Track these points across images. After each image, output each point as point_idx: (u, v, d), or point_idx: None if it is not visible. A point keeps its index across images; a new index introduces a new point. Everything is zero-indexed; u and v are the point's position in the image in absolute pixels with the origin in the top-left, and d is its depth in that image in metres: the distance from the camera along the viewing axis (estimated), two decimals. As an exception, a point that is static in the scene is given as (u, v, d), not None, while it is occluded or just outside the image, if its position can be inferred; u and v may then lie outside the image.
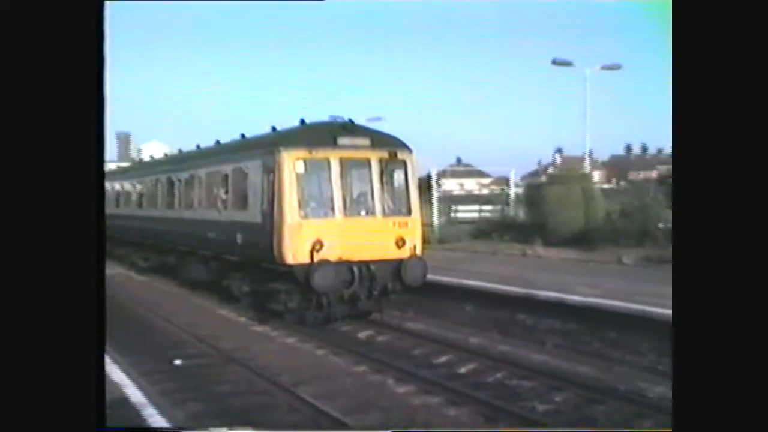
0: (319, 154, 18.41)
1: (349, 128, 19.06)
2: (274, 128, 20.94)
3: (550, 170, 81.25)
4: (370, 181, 19.01)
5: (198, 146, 28.05)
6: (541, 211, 35.43)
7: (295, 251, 17.83)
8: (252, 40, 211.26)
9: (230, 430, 10.78)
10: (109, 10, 6.66)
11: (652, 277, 21.67)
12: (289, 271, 18.02)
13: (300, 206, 18.05)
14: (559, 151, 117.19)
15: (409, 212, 19.36)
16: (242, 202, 20.56)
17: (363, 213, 18.94)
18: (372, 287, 18.52)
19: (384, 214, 18.96)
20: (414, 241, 19.06)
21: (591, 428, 10.96)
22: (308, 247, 17.79)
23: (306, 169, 18.39)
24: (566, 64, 40.15)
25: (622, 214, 34.47)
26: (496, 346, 17.01)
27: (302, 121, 19.66)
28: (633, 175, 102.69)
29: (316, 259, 17.70)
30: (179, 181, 26.65)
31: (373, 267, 18.44)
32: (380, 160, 19.09)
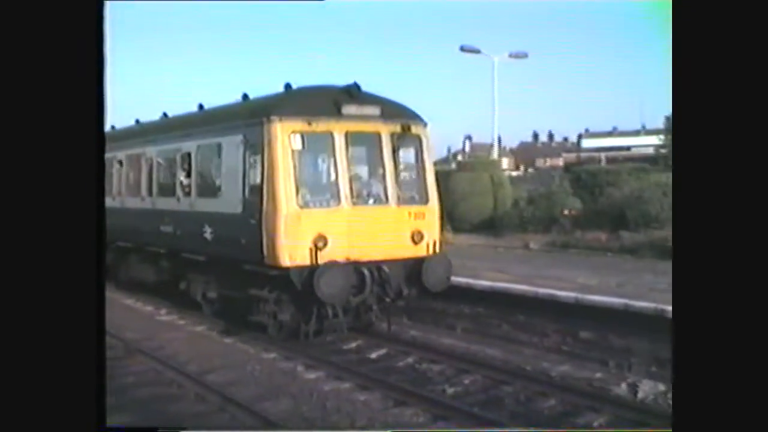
0: (320, 125, 14.63)
1: (355, 94, 15.18)
2: (245, 96, 16.97)
3: (460, 157, 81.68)
4: (381, 160, 15.30)
5: (137, 121, 23.52)
6: (451, 197, 35.35)
7: (292, 250, 14.07)
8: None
9: (235, 430, 10.76)
10: (109, 10, 6.79)
11: (558, 262, 23.16)
12: (282, 275, 14.32)
13: (297, 192, 14.26)
14: (468, 138, 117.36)
15: (426, 200, 15.76)
16: (212, 187, 16.67)
17: (371, 201, 15.30)
18: (384, 293, 15.03)
19: (398, 202, 15.34)
20: (432, 235, 15.50)
21: (591, 428, 10.76)
22: (309, 245, 14.08)
23: (304, 145, 14.60)
24: (474, 51, 40.61)
25: (529, 201, 35.53)
26: (407, 331, 16.99)
27: (288, 86, 15.69)
28: (540, 163, 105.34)
29: (320, 260, 14.07)
30: (119, 163, 21.99)
31: (386, 269, 14.92)
32: (392, 135, 15.43)
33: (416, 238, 15.28)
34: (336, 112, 14.81)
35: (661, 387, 12.34)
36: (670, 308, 12.77)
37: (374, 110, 15.32)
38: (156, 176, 19.57)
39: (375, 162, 15.57)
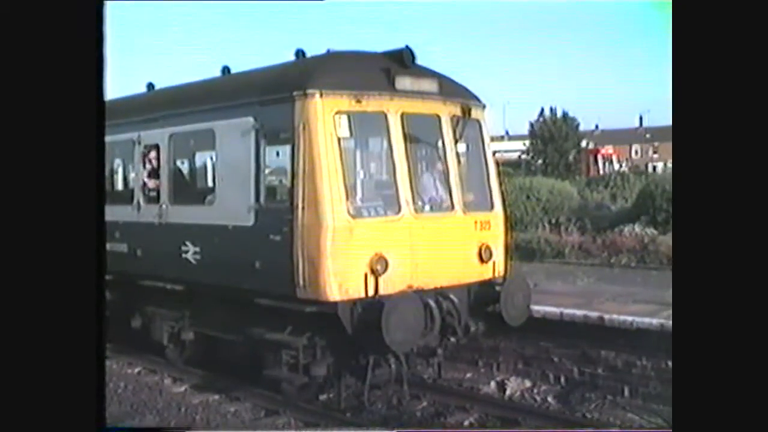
0: (372, 104, 10.57)
1: (408, 63, 11.12)
2: (226, 69, 12.77)
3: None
4: (443, 152, 11.45)
5: None
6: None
7: (343, 277, 10.04)
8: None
9: (232, 430, 10.79)
10: (109, 10, 6.78)
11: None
12: (321, 312, 10.25)
13: (347, 196, 10.24)
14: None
15: (491, 205, 11.93)
16: (198, 191, 12.61)
17: (428, 207, 11.37)
18: (451, 330, 11.19)
19: (464, 208, 11.51)
20: (500, 251, 11.81)
21: (590, 428, 10.75)
22: (364, 269, 10.15)
23: (352, 130, 10.82)
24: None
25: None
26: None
27: (301, 53, 11.48)
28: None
29: (381, 290, 10.13)
30: None
31: (454, 297, 11.10)
32: (452, 118, 11.53)
33: (484, 255, 11.51)
34: (389, 86, 10.78)
35: (528, 383, 12.99)
36: (537, 308, 13.09)
37: (432, 85, 11.35)
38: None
39: (433, 154, 11.70)
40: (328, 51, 11.28)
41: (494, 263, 11.68)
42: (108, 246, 13.19)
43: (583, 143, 51.22)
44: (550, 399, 12.26)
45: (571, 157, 49.30)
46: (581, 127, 51.52)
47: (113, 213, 13.36)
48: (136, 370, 13.70)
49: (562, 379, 12.81)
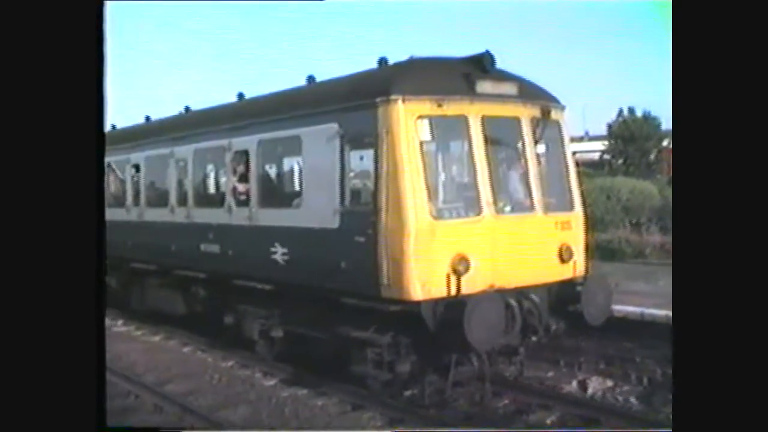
0: (453, 108, 10.84)
1: (488, 67, 11.41)
2: (311, 78, 13.27)
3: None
4: (523, 153, 11.67)
5: (147, 118, 18.75)
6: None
7: (426, 277, 10.31)
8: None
9: (234, 430, 10.86)
10: (109, 10, 6.90)
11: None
12: (404, 311, 10.55)
13: (430, 198, 10.53)
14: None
15: (571, 206, 12.14)
16: (286, 194, 12.99)
17: (509, 208, 11.54)
18: (532, 329, 11.41)
19: (544, 209, 11.69)
20: (580, 251, 11.97)
21: (590, 428, 10.78)
22: (446, 269, 10.41)
23: (433, 133, 11.01)
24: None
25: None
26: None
27: (384, 61, 11.86)
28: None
29: (463, 290, 10.38)
30: (134, 168, 17.40)
31: (535, 297, 11.32)
32: (532, 120, 11.74)
33: (565, 255, 11.71)
34: (469, 90, 11.06)
35: (609, 383, 12.81)
36: (618, 308, 13.41)
37: (511, 88, 11.60)
38: (192, 182, 15.29)
39: (513, 155, 11.90)
40: (411, 57, 11.60)
41: (574, 263, 11.85)
42: (202, 246, 14.21)
43: (665, 142, 50.26)
44: (632, 399, 12.11)
45: (652, 157, 48.50)
46: (663, 126, 50.56)
47: (207, 215, 14.17)
48: (229, 363, 14.20)
49: (645, 380, 12.69)
